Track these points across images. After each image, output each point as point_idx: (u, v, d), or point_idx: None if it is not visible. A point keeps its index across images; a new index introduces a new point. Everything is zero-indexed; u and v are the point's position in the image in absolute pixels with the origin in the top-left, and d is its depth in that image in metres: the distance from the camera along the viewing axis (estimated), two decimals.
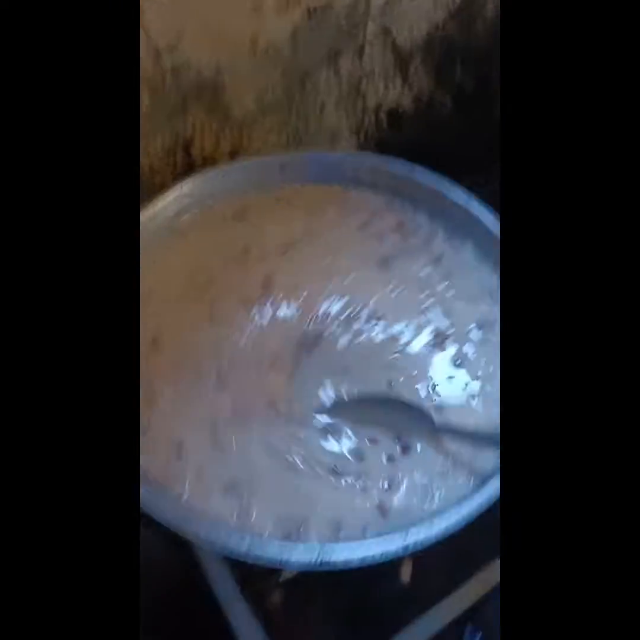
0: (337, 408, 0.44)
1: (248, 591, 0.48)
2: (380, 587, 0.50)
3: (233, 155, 0.61)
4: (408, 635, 0.47)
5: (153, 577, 0.56)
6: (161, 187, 0.54)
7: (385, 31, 0.61)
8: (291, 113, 0.62)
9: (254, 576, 0.48)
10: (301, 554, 0.37)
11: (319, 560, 0.37)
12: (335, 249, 0.52)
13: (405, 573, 0.50)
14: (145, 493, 0.37)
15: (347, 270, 0.51)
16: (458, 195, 0.53)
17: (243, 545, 0.38)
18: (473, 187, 0.56)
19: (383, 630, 0.47)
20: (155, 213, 0.52)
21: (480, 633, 0.47)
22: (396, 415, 0.44)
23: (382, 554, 0.38)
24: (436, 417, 0.44)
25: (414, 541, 0.38)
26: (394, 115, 0.69)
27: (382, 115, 0.69)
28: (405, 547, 0.37)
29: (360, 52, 0.62)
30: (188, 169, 0.59)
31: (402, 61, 0.65)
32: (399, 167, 0.55)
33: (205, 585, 0.49)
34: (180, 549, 0.51)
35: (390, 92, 0.67)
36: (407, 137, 0.71)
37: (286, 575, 0.48)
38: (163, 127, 0.56)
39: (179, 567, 0.52)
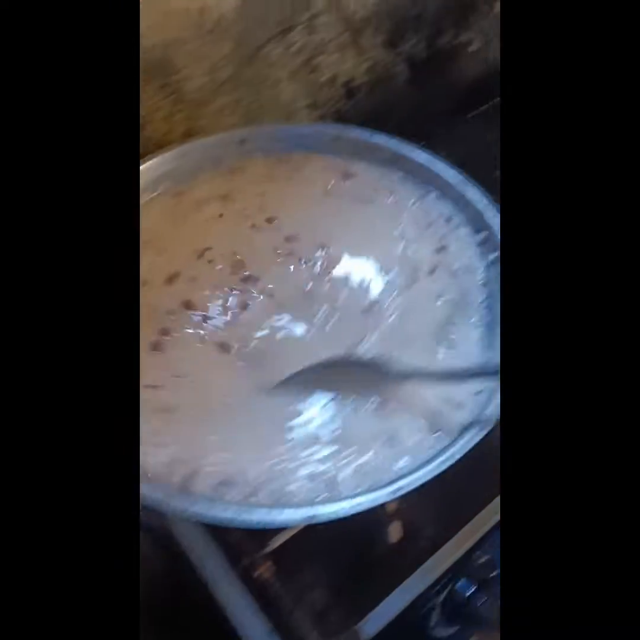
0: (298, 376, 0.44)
1: (236, 568, 0.48)
2: (371, 549, 0.51)
3: (187, 136, 0.60)
4: (400, 594, 0.47)
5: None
6: None
7: (335, 2, 0.61)
8: (244, 90, 0.62)
9: (240, 552, 0.48)
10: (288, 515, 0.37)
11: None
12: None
13: (394, 533, 0.51)
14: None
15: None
16: (418, 155, 0.53)
17: (228, 512, 0.37)
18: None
19: (375, 591, 0.47)
20: None
21: (474, 586, 0.47)
22: (355, 375, 0.44)
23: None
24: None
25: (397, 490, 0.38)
26: (350, 86, 0.69)
27: (338, 87, 0.69)
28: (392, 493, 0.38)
29: (311, 24, 0.62)
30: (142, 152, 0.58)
31: (354, 32, 0.65)
32: (358, 134, 0.56)
33: (190, 567, 0.49)
34: (160, 532, 0.51)
35: (345, 64, 0.67)
36: (365, 108, 0.71)
37: (272, 545, 0.48)
38: None
39: (163, 551, 0.51)
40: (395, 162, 0.55)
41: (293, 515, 0.38)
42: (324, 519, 0.38)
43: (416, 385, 0.44)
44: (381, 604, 0.46)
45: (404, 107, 0.73)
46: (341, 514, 0.38)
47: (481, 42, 0.76)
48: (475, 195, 0.51)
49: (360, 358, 0.45)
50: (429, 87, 0.74)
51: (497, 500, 0.49)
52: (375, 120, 0.69)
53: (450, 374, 0.44)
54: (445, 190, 0.53)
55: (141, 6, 0.49)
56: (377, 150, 0.55)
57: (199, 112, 0.60)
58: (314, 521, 0.38)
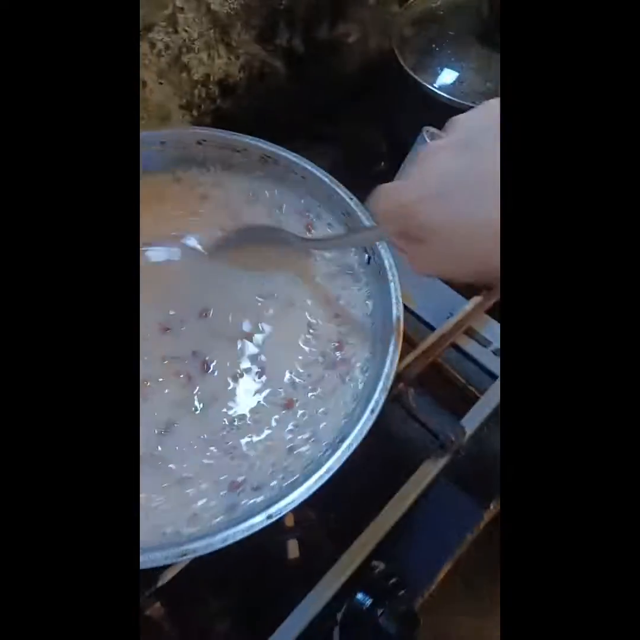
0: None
1: None
2: (270, 570, 0.49)
3: None
4: (299, 614, 0.45)
5: None
6: None
7: None
8: None
9: None
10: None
11: None
12: None
13: (293, 550, 0.49)
14: None
15: None
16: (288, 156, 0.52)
17: None
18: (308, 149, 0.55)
19: (275, 613, 0.46)
20: None
21: (371, 598, 0.47)
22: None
23: None
24: None
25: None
26: (225, 85, 0.66)
27: (212, 87, 0.66)
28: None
29: (173, 21, 0.58)
30: None
31: (221, 28, 0.62)
32: (227, 137, 0.53)
33: None
34: None
35: (216, 62, 0.64)
36: (243, 106, 0.68)
37: (161, 581, 0.45)
38: None
39: None
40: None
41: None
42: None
43: None
44: (281, 627, 0.45)
45: (284, 103, 0.71)
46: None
47: (360, 33, 0.74)
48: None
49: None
50: (309, 82, 0.72)
51: (386, 509, 0.49)
52: (257, 119, 0.67)
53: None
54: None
55: None
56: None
57: None
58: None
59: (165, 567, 0.45)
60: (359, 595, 0.47)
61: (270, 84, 0.70)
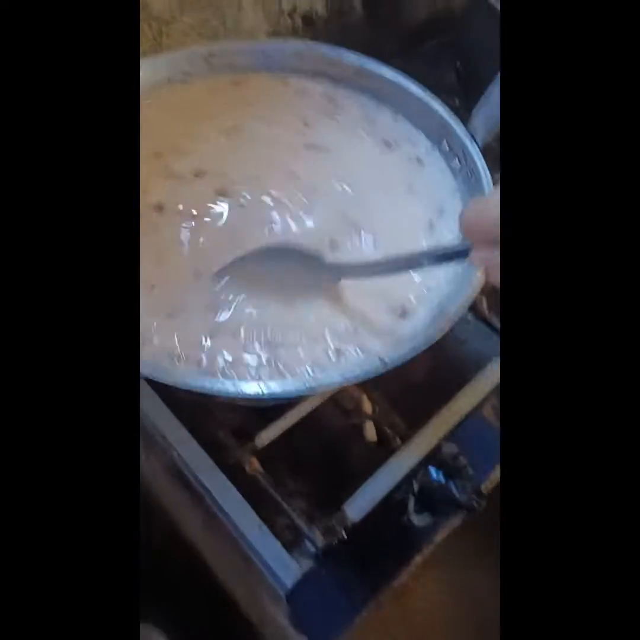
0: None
1: (224, 466, 0.50)
2: (348, 448, 0.54)
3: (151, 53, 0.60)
4: (376, 482, 0.50)
5: None
6: None
7: None
8: (210, 11, 0.62)
9: (227, 450, 0.50)
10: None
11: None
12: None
13: (370, 433, 0.54)
14: None
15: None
16: (386, 71, 0.56)
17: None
18: None
19: (355, 482, 0.50)
20: None
21: (444, 474, 0.51)
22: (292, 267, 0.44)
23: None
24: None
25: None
26: (308, 18, 0.70)
27: (297, 18, 0.70)
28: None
29: None
30: None
31: None
32: (325, 50, 0.57)
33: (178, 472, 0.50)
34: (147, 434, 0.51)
35: None
36: (321, 41, 0.72)
37: (258, 444, 0.50)
38: None
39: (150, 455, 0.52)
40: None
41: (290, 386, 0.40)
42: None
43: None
44: (360, 490, 0.49)
45: (359, 41, 0.74)
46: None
47: None
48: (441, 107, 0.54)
49: (299, 245, 0.46)
50: (383, 22, 0.76)
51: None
52: None
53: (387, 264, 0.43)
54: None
55: None
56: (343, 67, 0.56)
57: (163, 31, 0.60)
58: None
59: (261, 430, 0.50)
60: (432, 470, 0.51)
61: (348, 22, 0.74)
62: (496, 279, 0.31)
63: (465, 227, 0.32)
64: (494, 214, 0.29)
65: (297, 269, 0.44)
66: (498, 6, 0.66)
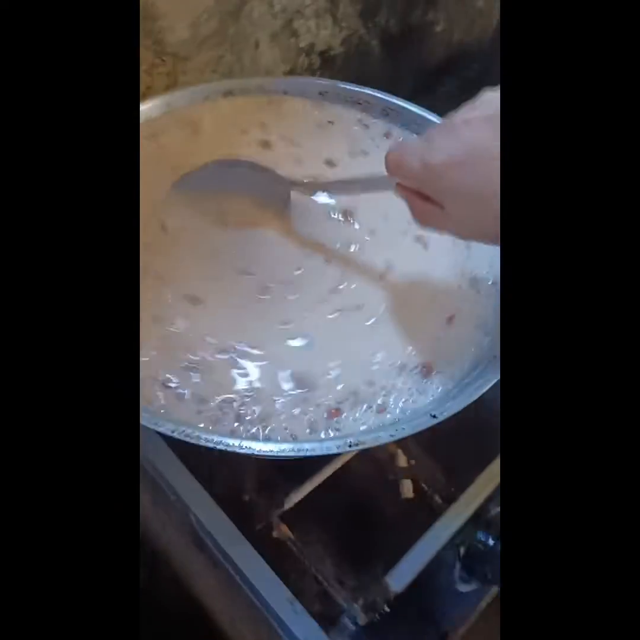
0: None
1: (250, 531, 0.44)
2: (384, 507, 0.49)
3: (168, 89, 0.58)
4: (420, 549, 0.45)
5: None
6: None
7: None
8: (226, 48, 0.60)
9: (253, 514, 0.45)
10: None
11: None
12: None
13: (406, 491, 0.49)
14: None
15: None
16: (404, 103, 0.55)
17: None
18: None
19: (395, 547, 0.45)
20: None
21: (492, 538, 0.46)
22: None
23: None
24: None
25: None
26: (326, 57, 0.69)
27: (314, 56, 0.68)
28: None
29: None
30: None
31: (331, 0, 0.65)
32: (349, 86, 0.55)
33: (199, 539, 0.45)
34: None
35: (322, 32, 0.66)
36: (338, 79, 0.71)
37: (286, 505, 0.45)
38: None
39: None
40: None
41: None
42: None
43: None
44: (403, 560, 0.44)
45: (376, 81, 0.73)
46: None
47: (446, 24, 0.77)
48: None
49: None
50: (399, 64, 0.75)
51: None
52: None
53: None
54: None
55: None
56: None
57: (179, 67, 0.58)
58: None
59: (289, 492, 0.45)
60: (480, 533, 0.46)
61: (364, 61, 0.72)
62: (430, 226, 0.37)
63: (389, 167, 0.36)
64: (411, 156, 0.34)
65: (249, 187, 0.45)
66: None
